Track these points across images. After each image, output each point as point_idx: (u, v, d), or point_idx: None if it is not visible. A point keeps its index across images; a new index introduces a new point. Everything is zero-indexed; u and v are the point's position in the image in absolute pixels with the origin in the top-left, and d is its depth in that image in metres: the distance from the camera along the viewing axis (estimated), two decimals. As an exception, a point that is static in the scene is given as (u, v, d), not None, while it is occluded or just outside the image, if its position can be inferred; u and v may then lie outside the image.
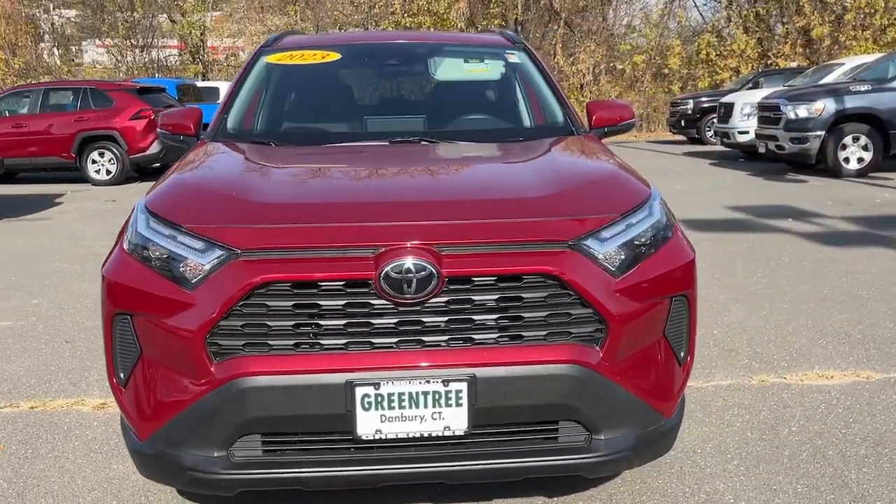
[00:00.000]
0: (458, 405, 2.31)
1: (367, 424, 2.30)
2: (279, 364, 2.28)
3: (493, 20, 27.23)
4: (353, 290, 2.28)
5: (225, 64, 31.13)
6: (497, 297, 2.32)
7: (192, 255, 2.36)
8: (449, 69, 4.12)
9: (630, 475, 3.09)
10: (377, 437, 2.31)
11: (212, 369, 2.29)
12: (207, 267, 2.32)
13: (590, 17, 28.87)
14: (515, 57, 4.08)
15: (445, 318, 2.31)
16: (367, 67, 4.11)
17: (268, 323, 2.28)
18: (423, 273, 2.26)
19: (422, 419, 2.31)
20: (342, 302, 2.28)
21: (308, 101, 3.96)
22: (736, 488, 2.99)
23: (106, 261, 2.58)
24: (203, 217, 2.46)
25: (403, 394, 2.29)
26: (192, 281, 2.33)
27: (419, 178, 2.91)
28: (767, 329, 4.89)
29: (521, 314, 2.34)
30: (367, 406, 2.29)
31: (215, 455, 2.35)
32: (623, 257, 2.46)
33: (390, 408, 2.29)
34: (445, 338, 2.32)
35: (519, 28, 28.16)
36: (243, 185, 2.68)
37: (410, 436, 2.32)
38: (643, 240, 2.53)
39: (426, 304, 2.29)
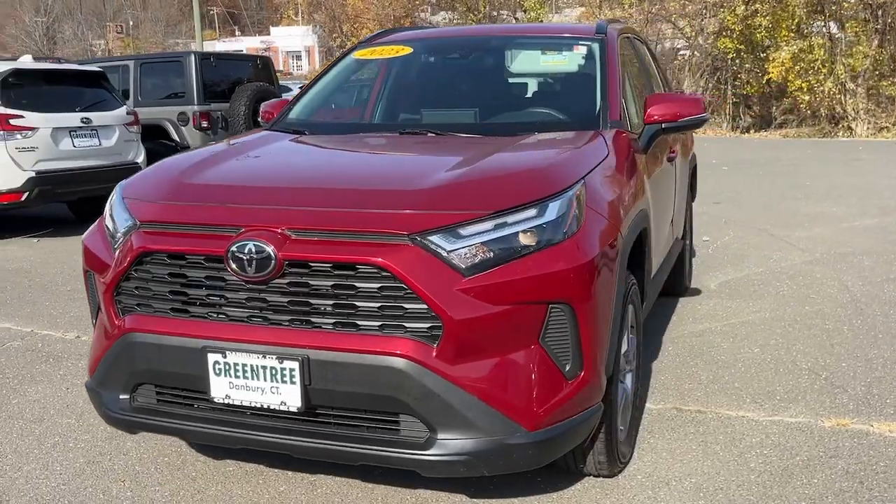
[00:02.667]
0: (293, 383, 2.43)
1: (219, 388, 2.52)
2: (157, 324, 2.60)
3: (842, 1, 24.40)
4: (211, 265, 2.52)
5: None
6: (332, 283, 2.39)
7: (119, 224, 2.77)
8: (520, 63, 4.07)
9: (574, 491, 2.89)
10: (227, 401, 2.52)
11: (117, 322, 2.69)
12: (120, 235, 2.72)
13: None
14: (583, 49, 3.89)
15: (287, 300, 2.44)
16: (432, 62, 4.19)
17: (151, 287, 2.62)
18: (261, 254, 2.41)
19: (262, 391, 2.48)
20: (203, 274, 2.53)
21: (356, 93, 4.18)
22: (670, 529, 2.66)
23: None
24: (137, 193, 2.86)
25: (246, 365, 2.47)
26: (115, 246, 2.74)
27: (327, 166, 3.02)
28: (917, 369, 4.06)
29: (355, 303, 2.38)
30: (217, 372, 2.51)
31: (121, 397, 2.74)
32: (481, 256, 2.36)
33: (236, 376, 2.49)
34: (287, 318, 2.45)
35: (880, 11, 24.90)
36: (194, 167, 2.99)
37: (253, 405, 2.50)
38: (518, 241, 2.40)
39: (270, 284, 2.44)
